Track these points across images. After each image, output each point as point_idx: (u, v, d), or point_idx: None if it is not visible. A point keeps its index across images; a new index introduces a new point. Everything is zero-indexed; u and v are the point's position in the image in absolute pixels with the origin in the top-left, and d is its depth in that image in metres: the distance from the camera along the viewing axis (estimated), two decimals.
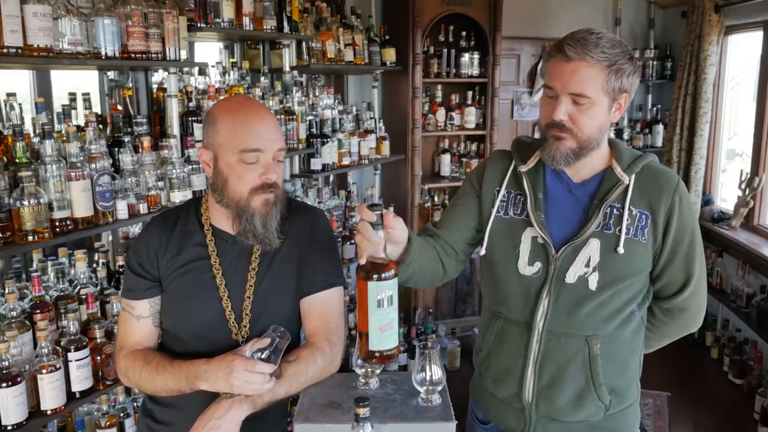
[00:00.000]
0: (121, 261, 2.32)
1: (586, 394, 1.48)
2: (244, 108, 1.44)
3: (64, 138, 2.03)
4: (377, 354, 1.27)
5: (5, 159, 1.93)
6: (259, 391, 1.34)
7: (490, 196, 1.59)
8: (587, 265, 1.45)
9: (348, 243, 3.61)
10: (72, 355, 1.94)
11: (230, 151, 1.41)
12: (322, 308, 1.53)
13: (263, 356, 1.33)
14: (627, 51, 1.42)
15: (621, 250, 1.43)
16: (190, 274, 1.50)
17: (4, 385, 1.75)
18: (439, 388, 1.38)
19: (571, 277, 1.46)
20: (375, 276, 1.24)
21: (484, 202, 1.59)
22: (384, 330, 1.26)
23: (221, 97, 2.64)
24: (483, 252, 1.59)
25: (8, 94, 2.04)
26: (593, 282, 1.45)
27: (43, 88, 2.46)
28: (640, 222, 1.45)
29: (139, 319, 1.52)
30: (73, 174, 1.96)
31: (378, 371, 1.46)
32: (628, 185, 1.46)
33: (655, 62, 4.93)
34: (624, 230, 1.44)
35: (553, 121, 1.42)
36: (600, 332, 1.47)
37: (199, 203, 1.58)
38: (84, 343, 1.96)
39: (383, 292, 1.25)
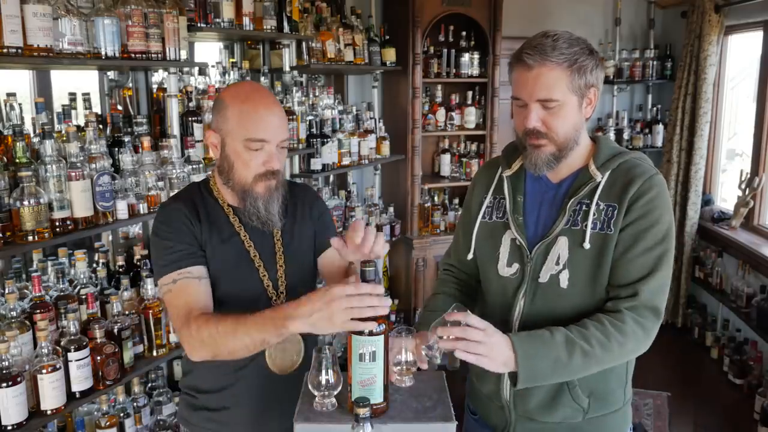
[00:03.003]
0: (121, 261, 2.32)
1: (560, 395, 1.47)
2: (252, 97, 1.49)
3: (64, 138, 2.03)
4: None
5: (5, 159, 1.93)
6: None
7: (477, 204, 1.62)
8: (557, 263, 1.45)
9: None
10: (72, 355, 1.94)
11: (237, 138, 1.47)
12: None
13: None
14: (586, 46, 1.42)
15: (587, 245, 1.42)
16: (228, 248, 1.53)
17: (4, 385, 1.75)
18: (414, 369, 1.40)
19: (544, 276, 1.46)
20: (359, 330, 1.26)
21: (473, 213, 1.63)
22: (365, 385, 1.27)
23: None
24: (470, 256, 1.61)
25: (8, 94, 2.04)
26: (564, 280, 1.44)
27: (43, 88, 2.46)
28: (607, 215, 1.43)
29: (201, 280, 1.48)
30: (73, 174, 1.96)
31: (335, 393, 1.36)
32: (599, 182, 1.45)
33: (655, 62, 4.93)
34: (590, 225, 1.43)
35: (527, 129, 1.43)
36: None
37: (207, 185, 1.60)
38: (84, 343, 1.96)
39: (364, 347, 1.26)
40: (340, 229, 3.65)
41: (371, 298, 1.22)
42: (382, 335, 1.27)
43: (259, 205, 1.50)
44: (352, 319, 1.23)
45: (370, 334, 1.25)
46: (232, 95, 1.50)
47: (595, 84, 1.43)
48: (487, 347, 1.31)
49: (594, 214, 1.43)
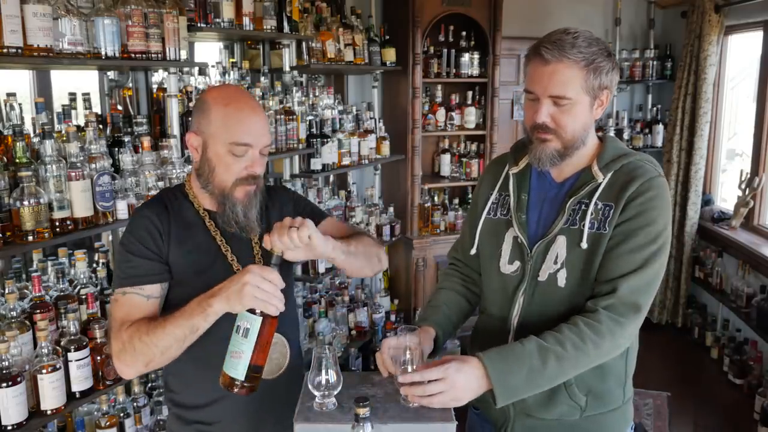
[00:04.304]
0: None
1: (557, 392, 1.47)
2: (237, 101, 1.46)
3: (64, 138, 2.03)
4: (227, 378, 1.31)
5: (5, 159, 1.93)
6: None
7: (483, 200, 1.64)
8: (555, 262, 1.46)
9: None
10: (72, 355, 1.94)
11: (220, 142, 1.45)
12: (333, 224, 1.65)
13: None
14: (604, 48, 1.42)
15: (584, 245, 1.42)
16: (201, 255, 1.51)
17: (4, 385, 1.75)
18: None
19: (543, 275, 1.47)
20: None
21: (479, 209, 1.64)
22: (233, 357, 1.30)
23: None
24: (473, 252, 1.62)
25: (8, 94, 2.04)
26: (561, 279, 1.45)
27: (43, 88, 2.46)
28: (605, 214, 1.43)
29: (149, 299, 1.46)
30: (73, 174, 1.96)
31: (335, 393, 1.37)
32: (600, 183, 1.45)
33: (655, 62, 4.93)
34: (587, 224, 1.43)
35: (536, 124, 1.43)
36: None
37: (182, 189, 1.57)
38: (84, 343, 1.96)
39: (242, 321, 1.30)
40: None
41: (276, 289, 1.30)
42: (261, 318, 1.29)
43: (238, 211, 1.48)
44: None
45: (251, 312, 1.29)
46: (214, 96, 1.48)
47: (608, 86, 1.44)
48: (452, 394, 1.31)
49: (591, 214, 1.43)
